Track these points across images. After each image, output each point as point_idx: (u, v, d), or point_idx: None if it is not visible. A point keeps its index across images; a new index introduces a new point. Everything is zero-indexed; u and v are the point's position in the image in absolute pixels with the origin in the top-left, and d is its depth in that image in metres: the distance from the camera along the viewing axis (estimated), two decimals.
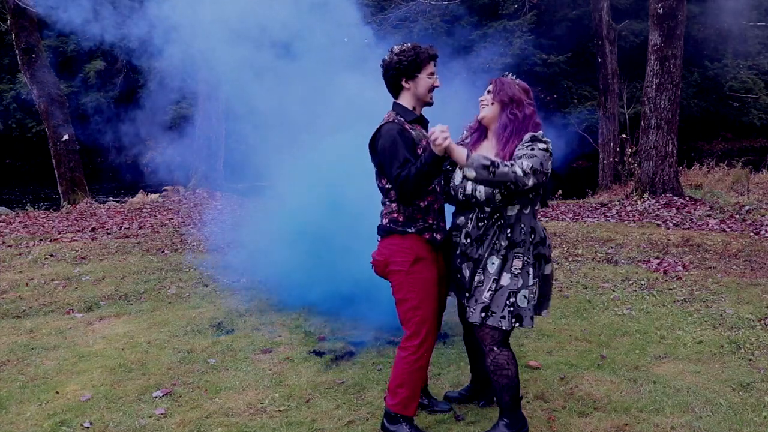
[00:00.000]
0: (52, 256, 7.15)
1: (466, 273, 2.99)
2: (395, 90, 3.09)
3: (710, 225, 7.99)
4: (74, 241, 8.07)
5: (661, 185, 9.76)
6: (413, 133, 2.99)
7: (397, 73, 3.01)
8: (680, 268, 6.04)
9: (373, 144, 3.01)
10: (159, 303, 5.47)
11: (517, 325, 2.91)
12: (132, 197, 13.37)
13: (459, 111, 4.24)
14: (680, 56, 9.67)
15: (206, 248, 7.41)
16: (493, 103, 3.02)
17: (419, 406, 3.40)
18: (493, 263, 2.91)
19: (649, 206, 9.33)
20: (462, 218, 3.03)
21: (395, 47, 3.05)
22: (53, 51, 19.18)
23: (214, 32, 5.47)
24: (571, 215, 9.46)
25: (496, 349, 2.94)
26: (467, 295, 2.99)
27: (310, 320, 4.88)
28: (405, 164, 2.86)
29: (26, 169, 19.97)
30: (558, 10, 21.50)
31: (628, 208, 9.52)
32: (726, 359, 4.02)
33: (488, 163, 2.75)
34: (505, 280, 2.89)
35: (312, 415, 3.40)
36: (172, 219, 9.94)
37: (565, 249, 6.94)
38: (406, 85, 3.04)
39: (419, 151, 2.97)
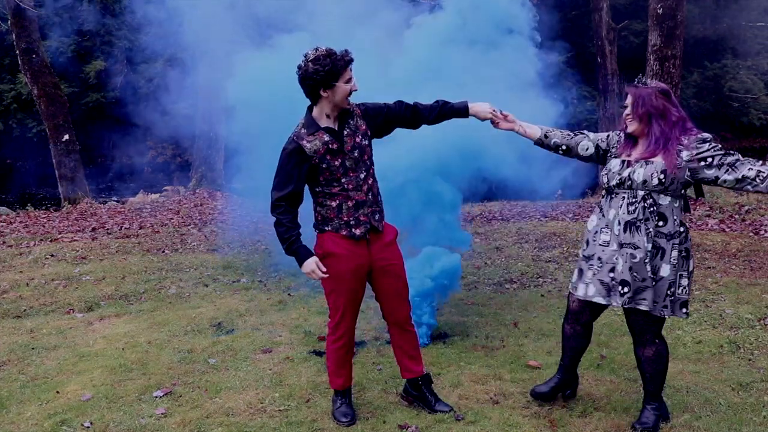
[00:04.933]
0: (52, 256, 7.15)
1: (620, 263, 3.04)
2: (313, 98, 3.06)
3: (710, 225, 7.99)
4: (74, 241, 8.07)
5: None
6: (308, 145, 3.02)
7: (314, 83, 2.96)
8: None
9: None
10: (159, 303, 5.47)
11: (671, 314, 3.06)
12: (132, 197, 13.36)
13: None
14: (680, 56, 9.67)
15: (206, 248, 7.42)
16: (634, 119, 3.03)
17: (419, 403, 3.44)
18: (650, 251, 3.00)
19: None
20: (613, 211, 3.08)
21: (309, 53, 2.96)
22: (53, 51, 19.17)
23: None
24: (571, 215, 9.46)
25: (658, 340, 3.13)
26: (623, 283, 3.03)
27: (310, 320, 4.89)
28: (285, 189, 3.02)
29: (26, 169, 19.95)
30: (558, 10, 21.50)
31: None
32: (725, 359, 4.03)
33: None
34: (665, 271, 3.00)
35: (312, 415, 3.41)
36: (172, 219, 9.94)
37: (565, 249, 6.94)
38: (324, 94, 3.00)
39: (314, 161, 3.03)
